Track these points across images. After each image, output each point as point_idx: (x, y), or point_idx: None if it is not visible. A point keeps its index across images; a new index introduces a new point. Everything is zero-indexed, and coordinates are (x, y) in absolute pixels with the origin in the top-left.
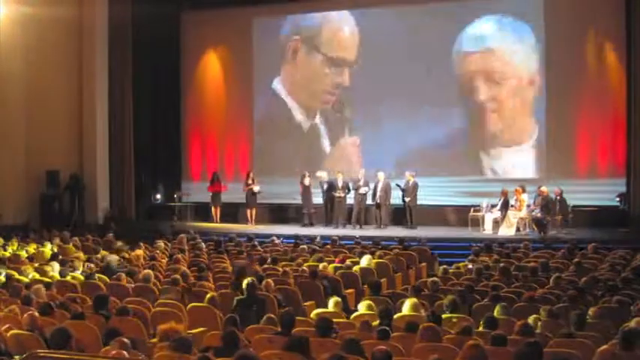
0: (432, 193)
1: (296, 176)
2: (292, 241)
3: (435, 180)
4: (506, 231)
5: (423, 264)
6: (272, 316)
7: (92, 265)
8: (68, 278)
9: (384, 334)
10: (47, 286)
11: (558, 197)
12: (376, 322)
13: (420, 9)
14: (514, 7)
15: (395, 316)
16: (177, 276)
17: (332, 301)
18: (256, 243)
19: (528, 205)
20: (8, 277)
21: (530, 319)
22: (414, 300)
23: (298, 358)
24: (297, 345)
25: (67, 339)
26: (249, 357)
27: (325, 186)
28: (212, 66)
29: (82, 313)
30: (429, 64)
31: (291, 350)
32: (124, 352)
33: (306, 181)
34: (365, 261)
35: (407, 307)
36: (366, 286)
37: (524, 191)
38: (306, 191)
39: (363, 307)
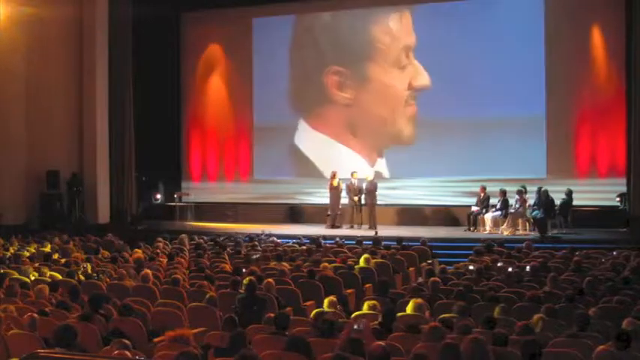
0: (431, 193)
1: (295, 176)
2: (293, 241)
3: (433, 180)
4: (507, 231)
5: (423, 264)
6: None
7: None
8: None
9: (379, 333)
10: (49, 286)
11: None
12: (376, 322)
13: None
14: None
15: (398, 315)
16: (178, 276)
17: (326, 301)
18: (257, 242)
19: (529, 206)
20: (8, 277)
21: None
22: (418, 300)
23: (299, 358)
24: (298, 345)
25: (73, 337)
26: (251, 357)
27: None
28: (212, 66)
29: (88, 313)
30: None
31: (292, 350)
32: (127, 352)
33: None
34: (362, 261)
35: (409, 308)
36: (368, 285)
37: (525, 191)
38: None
39: (365, 307)
